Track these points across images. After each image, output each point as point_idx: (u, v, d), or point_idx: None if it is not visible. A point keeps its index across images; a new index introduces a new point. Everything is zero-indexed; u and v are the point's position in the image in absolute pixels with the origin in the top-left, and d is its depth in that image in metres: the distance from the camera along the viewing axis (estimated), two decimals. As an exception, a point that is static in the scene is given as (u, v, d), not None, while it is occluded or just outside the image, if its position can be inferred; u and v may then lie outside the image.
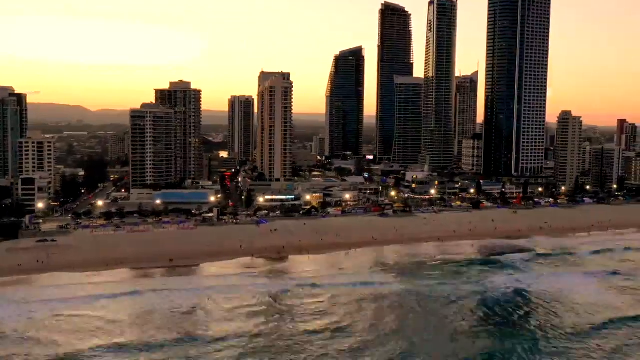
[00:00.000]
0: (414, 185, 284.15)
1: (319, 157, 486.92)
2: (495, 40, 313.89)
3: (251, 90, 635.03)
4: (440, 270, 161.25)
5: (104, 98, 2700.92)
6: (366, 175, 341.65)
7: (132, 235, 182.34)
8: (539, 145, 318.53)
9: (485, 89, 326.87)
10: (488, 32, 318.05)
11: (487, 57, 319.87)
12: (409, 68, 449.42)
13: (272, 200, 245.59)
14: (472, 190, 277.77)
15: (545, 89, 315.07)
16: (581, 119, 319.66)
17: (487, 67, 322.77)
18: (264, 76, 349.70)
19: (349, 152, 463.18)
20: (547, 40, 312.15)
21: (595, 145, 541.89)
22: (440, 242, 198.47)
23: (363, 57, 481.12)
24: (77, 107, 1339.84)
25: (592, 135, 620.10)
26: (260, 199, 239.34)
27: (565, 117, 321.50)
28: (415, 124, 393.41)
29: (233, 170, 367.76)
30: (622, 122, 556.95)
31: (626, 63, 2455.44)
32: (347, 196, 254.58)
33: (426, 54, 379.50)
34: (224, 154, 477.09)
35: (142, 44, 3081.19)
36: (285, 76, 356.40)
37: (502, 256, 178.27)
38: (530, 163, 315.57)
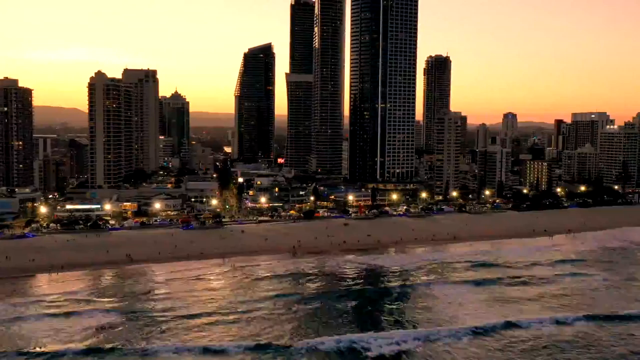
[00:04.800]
0: (251, 193, 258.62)
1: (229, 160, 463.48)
2: (360, 34, 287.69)
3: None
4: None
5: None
6: (240, 180, 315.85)
7: None
8: (408, 148, 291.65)
9: (351, 86, 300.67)
10: (352, 25, 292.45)
11: (352, 51, 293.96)
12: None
13: (73, 210, 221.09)
14: (312, 198, 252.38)
15: (414, 87, 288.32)
16: (462, 118, 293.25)
17: (352, 63, 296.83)
18: (127, 73, 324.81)
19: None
20: (415, 33, 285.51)
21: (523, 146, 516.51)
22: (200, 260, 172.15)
23: (273, 54, 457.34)
24: (73, 109, 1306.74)
25: (520, 136, 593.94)
26: (42, 209, 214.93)
27: (441, 117, 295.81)
28: (307, 124, 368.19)
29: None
30: (558, 122, 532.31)
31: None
32: (158, 205, 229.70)
33: (314, 50, 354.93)
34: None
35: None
36: (150, 74, 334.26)
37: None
38: (399, 167, 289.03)
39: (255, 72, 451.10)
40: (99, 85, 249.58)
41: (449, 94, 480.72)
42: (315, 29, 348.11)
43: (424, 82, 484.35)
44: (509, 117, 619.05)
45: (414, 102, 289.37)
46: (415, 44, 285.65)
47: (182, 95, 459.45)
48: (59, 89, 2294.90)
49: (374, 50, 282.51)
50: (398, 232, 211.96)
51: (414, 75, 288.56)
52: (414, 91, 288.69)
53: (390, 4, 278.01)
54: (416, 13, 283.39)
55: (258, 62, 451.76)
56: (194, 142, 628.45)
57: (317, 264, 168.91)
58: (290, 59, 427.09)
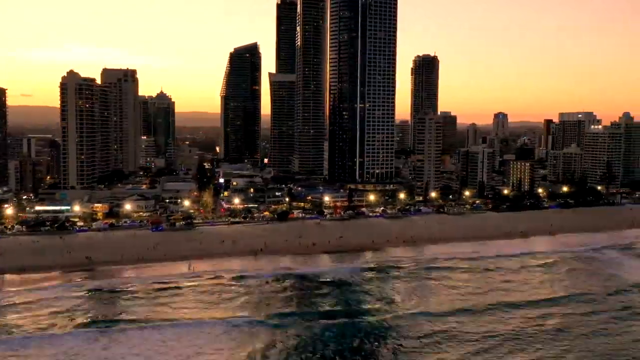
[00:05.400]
0: (225, 194, 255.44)
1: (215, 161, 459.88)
2: (339, 33, 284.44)
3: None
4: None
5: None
6: (221, 181, 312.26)
7: None
8: (388, 148, 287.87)
9: (330, 86, 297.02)
10: (331, 24, 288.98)
11: (331, 51, 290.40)
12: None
13: (41, 211, 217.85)
14: (287, 200, 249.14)
15: (394, 87, 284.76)
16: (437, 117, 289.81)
17: (331, 62, 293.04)
18: (106, 73, 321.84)
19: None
20: (395, 32, 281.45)
21: (511, 146, 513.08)
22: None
23: (259, 54, 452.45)
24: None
25: (513, 137, 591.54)
26: (9, 210, 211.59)
27: (422, 118, 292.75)
28: (290, 124, 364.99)
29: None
30: (548, 122, 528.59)
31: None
32: (129, 207, 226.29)
33: (297, 50, 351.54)
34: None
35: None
36: (129, 73, 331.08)
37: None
38: (379, 168, 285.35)
39: (241, 72, 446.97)
40: (71, 85, 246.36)
41: (437, 94, 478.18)
42: (298, 28, 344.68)
43: (412, 81, 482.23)
44: (500, 117, 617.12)
45: (393, 102, 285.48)
46: (395, 44, 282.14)
47: (167, 95, 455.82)
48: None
49: (353, 49, 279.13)
50: (371, 234, 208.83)
51: (394, 75, 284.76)
52: (394, 91, 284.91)
53: (369, 3, 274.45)
54: (395, 12, 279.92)
55: (244, 61, 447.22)
56: (187, 142, 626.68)
57: (273, 267, 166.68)
58: (276, 58, 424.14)
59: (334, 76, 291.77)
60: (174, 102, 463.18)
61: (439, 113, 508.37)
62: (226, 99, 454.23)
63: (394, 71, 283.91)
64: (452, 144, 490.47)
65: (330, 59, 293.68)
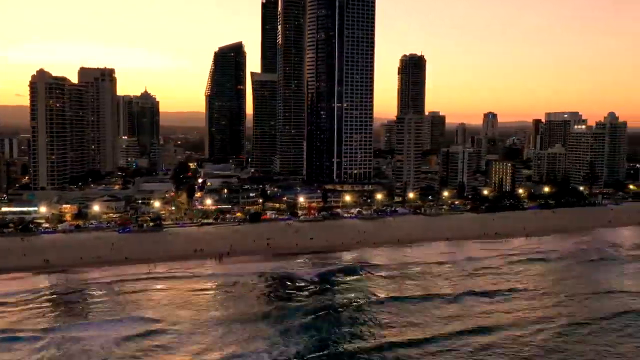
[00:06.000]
0: (198, 194, 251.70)
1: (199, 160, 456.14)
2: (316, 31, 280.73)
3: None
4: None
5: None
6: (201, 181, 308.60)
7: None
8: (366, 148, 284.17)
9: (308, 85, 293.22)
10: (309, 22, 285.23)
11: (309, 49, 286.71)
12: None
13: (7, 212, 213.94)
14: (260, 200, 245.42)
15: (372, 86, 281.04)
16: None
17: (308, 61, 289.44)
18: (82, 72, 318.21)
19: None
20: (373, 31, 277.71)
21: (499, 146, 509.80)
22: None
23: (244, 53, 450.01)
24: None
25: (504, 136, 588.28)
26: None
27: (401, 118, 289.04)
28: (272, 124, 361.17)
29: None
30: (536, 122, 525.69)
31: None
32: (97, 208, 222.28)
33: (278, 49, 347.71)
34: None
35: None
36: (106, 72, 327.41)
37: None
38: (356, 168, 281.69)
39: (225, 71, 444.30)
40: (40, 85, 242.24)
41: (424, 93, 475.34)
42: (279, 27, 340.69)
43: (399, 81, 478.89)
44: (489, 117, 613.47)
45: (372, 102, 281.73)
46: (373, 43, 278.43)
47: (152, 94, 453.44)
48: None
49: (330, 48, 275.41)
50: (340, 236, 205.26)
51: (372, 74, 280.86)
52: (372, 90, 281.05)
53: (346, 2, 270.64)
54: (374, 11, 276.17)
55: (228, 61, 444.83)
56: (178, 142, 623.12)
57: (234, 269, 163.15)
58: (261, 58, 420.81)
59: (312, 75, 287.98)
60: (158, 102, 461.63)
61: (426, 113, 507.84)
62: (211, 99, 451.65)
63: (372, 70, 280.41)
64: (441, 143, 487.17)
65: (307, 58, 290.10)
